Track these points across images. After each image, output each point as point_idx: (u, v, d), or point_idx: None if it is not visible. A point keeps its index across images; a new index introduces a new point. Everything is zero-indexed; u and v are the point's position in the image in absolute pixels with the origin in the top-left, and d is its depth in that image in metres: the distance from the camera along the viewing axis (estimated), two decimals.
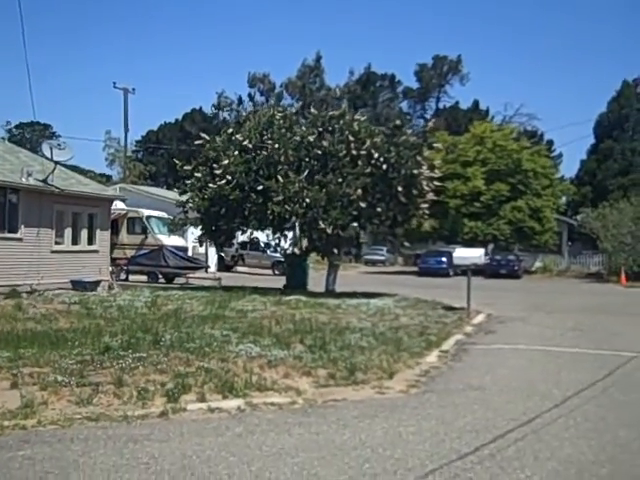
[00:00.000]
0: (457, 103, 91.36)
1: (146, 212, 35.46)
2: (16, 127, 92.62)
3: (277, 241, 24.64)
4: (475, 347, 13.84)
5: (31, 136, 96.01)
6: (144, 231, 35.00)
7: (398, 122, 24.40)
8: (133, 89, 53.90)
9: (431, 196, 24.21)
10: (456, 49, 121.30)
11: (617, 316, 20.89)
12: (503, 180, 47.60)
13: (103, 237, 26.51)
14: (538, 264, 51.17)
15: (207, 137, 24.22)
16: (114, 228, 34.02)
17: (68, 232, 24.65)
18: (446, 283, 37.17)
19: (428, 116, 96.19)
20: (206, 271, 33.79)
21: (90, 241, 25.87)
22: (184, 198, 24.22)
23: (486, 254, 50.00)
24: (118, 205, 37.42)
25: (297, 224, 23.09)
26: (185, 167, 24.28)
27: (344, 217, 22.34)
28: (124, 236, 35.91)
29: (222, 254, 40.40)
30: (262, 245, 31.13)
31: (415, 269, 47.82)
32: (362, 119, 24.13)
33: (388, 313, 17.91)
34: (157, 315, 15.44)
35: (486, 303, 23.20)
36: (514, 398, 9.48)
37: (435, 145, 24.09)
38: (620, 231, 41.91)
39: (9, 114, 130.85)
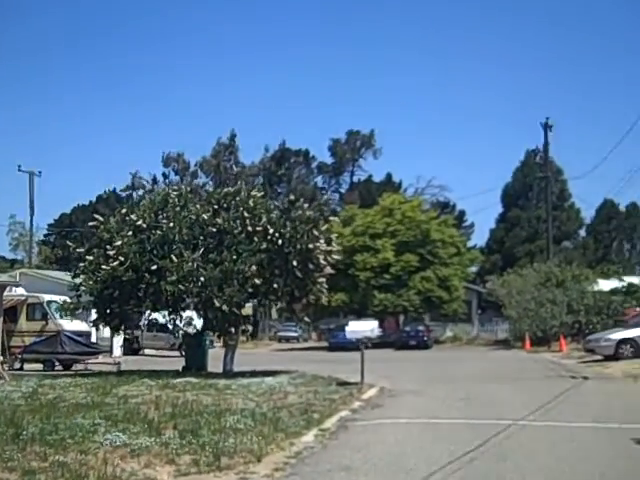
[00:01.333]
0: (370, 177, 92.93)
1: (47, 297, 34.41)
2: None
3: (172, 322, 24.17)
4: (356, 423, 13.65)
5: None
6: (44, 317, 33.92)
7: (292, 197, 24.50)
8: (39, 172, 53.42)
9: (329, 270, 24.20)
10: (368, 124, 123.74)
11: (508, 383, 21.09)
12: (412, 251, 48.26)
13: None
14: (449, 333, 51.67)
15: (101, 218, 23.84)
16: (12, 315, 33.01)
17: None
18: (354, 357, 36.92)
19: (343, 190, 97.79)
20: (110, 355, 32.91)
21: None
22: (77, 281, 23.63)
23: (382, 327, 50.67)
24: (17, 291, 36.47)
25: (192, 304, 22.74)
26: (78, 250, 23.75)
27: (239, 295, 22.12)
28: (23, 323, 34.77)
29: (128, 337, 39.53)
30: (158, 327, 30.22)
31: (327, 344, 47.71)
32: (258, 195, 24.12)
33: (278, 392, 17.58)
34: (32, 406, 14.79)
35: (385, 376, 23.17)
36: (378, 477, 9.33)
37: (331, 219, 24.16)
38: (524, 297, 42.77)
39: None
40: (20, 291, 35.57)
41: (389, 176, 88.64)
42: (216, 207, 23.26)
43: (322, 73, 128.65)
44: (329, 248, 23.93)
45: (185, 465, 9.89)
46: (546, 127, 50.52)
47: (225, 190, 24.16)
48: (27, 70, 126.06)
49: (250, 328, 25.29)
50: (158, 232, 22.53)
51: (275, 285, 22.72)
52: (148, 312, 24.71)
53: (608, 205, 75.11)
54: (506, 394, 17.86)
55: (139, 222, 22.78)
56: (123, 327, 24.91)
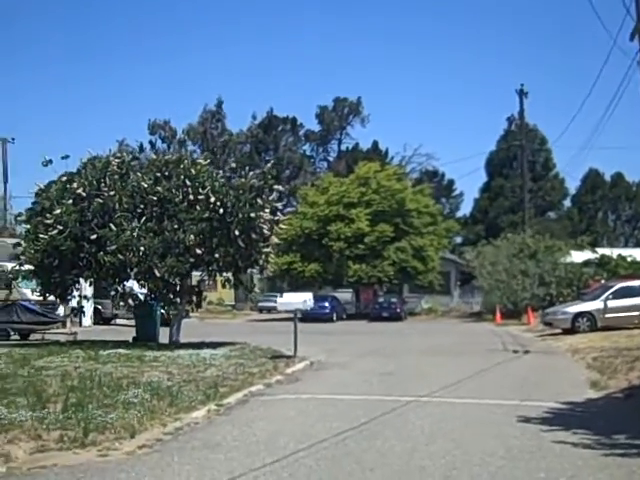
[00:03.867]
0: (357, 145, 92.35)
1: (10, 265, 34.11)
2: None
3: (115, 292, 23.87)
4: (259, 398, 13.43)
5: None
6: (8, 286, 33.61)
7: (234, 165, 24.10)
8: (13, 139, 52.73)
9: (275, 240, 23.85)
10: (356, 91, 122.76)
11: (447, 356, 20.98)
12: (387, 221, 47.86)
13: None
14: (425, 305, 51.40)
15: (42, 185, 23.46)
16: None
17: None
18: (323, 329, 36.86)
19: (331, 158, 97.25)
20: (64, 325, 32.48)
21: None
22: (19, 250, 23.32)
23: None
24: None
25: (132, 274, 22.44)
26: (19, 218, 23.42)
27: (180, 265, 21.81)
28: None
29: (99, 307, 39.33)
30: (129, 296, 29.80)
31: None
32: (204, 163, 23.70)
33: (203, 364, 17.33)
34: None
35: (330, 349, 23.06)
36: (241, 455, 9.10)
37: (276, 187, 23.71)
38: (496, 269, 42.45)
39: None
40: None
41: (375, 144, 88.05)
42: (158, 175, 22.80)
43: (309, 40, 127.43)
44: (276, 218, 23.55)
45: (51, 441, 9.66)
46: (521, 94, 49.85)
47: (167, 158, 23.73)
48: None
49: (195, 298, 24.87)
50: (98, 200, 22.15)
51: (217, 255, 22.40)
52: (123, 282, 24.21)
53: (593, 175, 74.62)
54: (435, 368, 17.67)
55: (79, 190, 22.40)
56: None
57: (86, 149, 23.76)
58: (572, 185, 76.68)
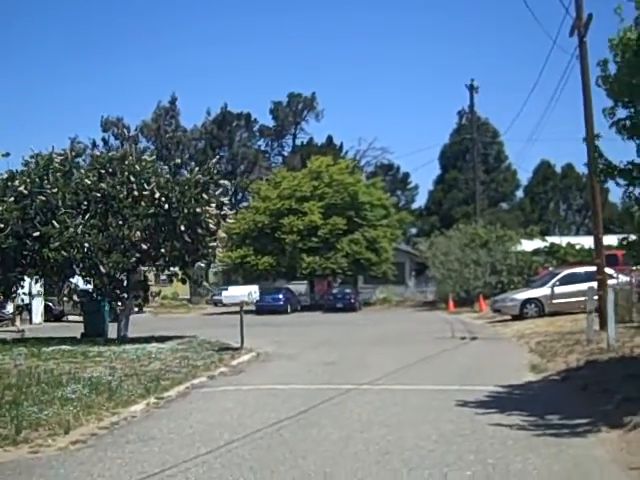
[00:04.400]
0: (311, 139, 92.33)
1: None
2: None
3: (58, 289, 23.57)
4: (200, 390, 13.37)
5: None
6: None
7: (178, 160, 23.96)
8: None
9: (221, 234, 23.73)
10: (310, 86, 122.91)
11: (394, 345, 21.10)
12: (340, 214, 47.94)
13: None
14: (380, 296, 51.60)
15: None
16: None
17: None
18: (276, 320, 36.87)
19: (286, 153, 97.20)
20: (13, 322, 32.08)
21: None
22: None
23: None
24: None
25: (77, 270, 22.18)
26: None
27: (125, 260, 21.59)
28: None
29: (50, 304, 38.81)
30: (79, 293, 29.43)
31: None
32: (149, 159, 23.47)
33: (148, 358, 17.20)
34: None
35: (278, 340, 23.01)
36: (175, 447, 9.05)
37: (221, 182, 23.60)
38: (448, 258, 42.78)
39: None
40: None
41: (330, 139, 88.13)
42: (102, 172, 22.54)
43: (262, 37, 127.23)
44: (222, 212, 23.43)
45: None
46: (471, 88, 50.43)
47: (110, 154, 23.48)
48: None
49: (142, 294, 24.63)
50: (41, 198, 21.83)
51: (163, 250, 22.24)
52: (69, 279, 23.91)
53: (544, 167, 75.53)
54: (380, 357, 17.71)
55: (21, 188, 22.07)
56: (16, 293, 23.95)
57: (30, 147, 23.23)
58: (524, 177, 77.60)
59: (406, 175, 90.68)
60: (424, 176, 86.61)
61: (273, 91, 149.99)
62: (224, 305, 45.43)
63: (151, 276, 28.32)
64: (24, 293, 25.01)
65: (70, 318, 40.87)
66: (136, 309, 40.63)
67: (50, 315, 39.41)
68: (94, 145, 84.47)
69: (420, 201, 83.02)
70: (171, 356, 17.67)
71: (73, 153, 23.17)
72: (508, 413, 10.37)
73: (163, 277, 25.72)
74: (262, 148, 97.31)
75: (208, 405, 11.93)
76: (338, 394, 12.28)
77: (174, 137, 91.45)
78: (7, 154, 22.88)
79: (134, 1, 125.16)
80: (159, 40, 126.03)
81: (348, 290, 46.82)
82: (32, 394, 12.27)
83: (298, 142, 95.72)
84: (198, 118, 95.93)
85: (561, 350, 16.60)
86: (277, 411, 11.03)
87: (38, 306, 37.63)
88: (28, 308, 27.75)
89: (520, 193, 77.51)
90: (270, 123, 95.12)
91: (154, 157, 23.86)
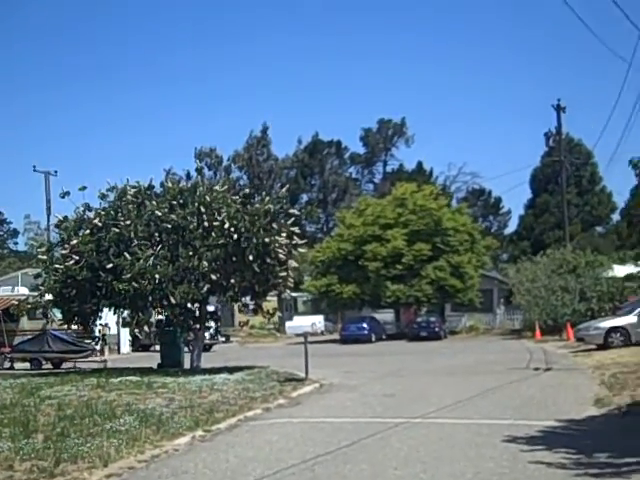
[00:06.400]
0: (401, 166, 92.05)
1: (49, 296, 34.66)
2: None
3: (134, 320, 23.83)
4: (251, 423, 13.29)
5: None
6: (46, 316, 34.14)
7: (247, 190, 24.09)
8: (55, 171, 53.57)
9: (293, 264, 23.72)
10: (400, 112, 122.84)
11: (462, 376, 20.56)
12: (424, 240, 47.28)
13: None
14: (468, 324, 50.55)
15: (60, 217, 23.80)
16: (11, 315, 33.34)
17: None
18: (356, 350, 36.55)
19: (376, 180, 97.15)
20: (102, 353, 32.90)
21: None
22: (39, 281, 23.64)
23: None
24: (20, 291, 36.89)
25: (149, 301, 22.51)
26: (39, 248, 23.77)
27: (195, 291, 21.78)
28: (25, 322, 35.19)
29: (138, 334, 39.60)
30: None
31: None
32: (220, 190, 23.66)
33: (210, 389, 17.25)
34: None
35: (347, 371, 22.83)
36: None
37: (291, 211, 23.62)
38: (534, 285, 41.61)
39: None
40: (23, 290, 36.00)
41: (420, 165, 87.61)
42: (173, 203, 22.88)
43: (352, 62, 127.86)
44: (293, 242, 23.42)
45: (21, 472, 9.66)
46: (558, 109, 49.06)
47: (181, 186, 23.83)
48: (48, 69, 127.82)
49: (213, 324, 24.83)
50: (115, 230, 22.32)
51: (232, 280, 22.37)
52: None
53: None
54: (443, 389, 17.27)
55: (96, 220, 22.64)
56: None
57: (125, 178, 23.85)
58: (621, 199, 75.07)
59: (498, 200, 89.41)
60: (515, 201, 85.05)
61: (363, 117, 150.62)
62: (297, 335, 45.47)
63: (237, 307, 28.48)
64: (101, 324, 25.46)
65: (157, 348, 41.74)
66: (223, 339, 41.25)
67: (138, 345, 40.19)
68: (188, 176, 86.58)
69: (513, 226, 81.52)
70: (233, 387, 17.67)
71: (145, 185, 23.55)
72: (555, 450, 9.88)
73: (252, 306, 25.64)
74: (353, 175, 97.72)
75: (252, 438, 11.83)
76: (386, 428, 11.99)
77: (266, 166, 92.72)
78: (84, 187, 23.65)
79: (226, 32, 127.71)
80: (251, 71, 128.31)
81: (433, 318, 46.05)
82: (83, 425, 12.49)
83: (389, 169, 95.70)
84: (289, 147, 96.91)
85: (632, 383, 15.79)
86: (318, 445, 10.85)
87: (125, 336, 38.47)
88: (104, 339, 28.26)
89: (617, 216, 74.97)
90: (361, 150, 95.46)
91: (225, 187, 24.01)
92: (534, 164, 74.57)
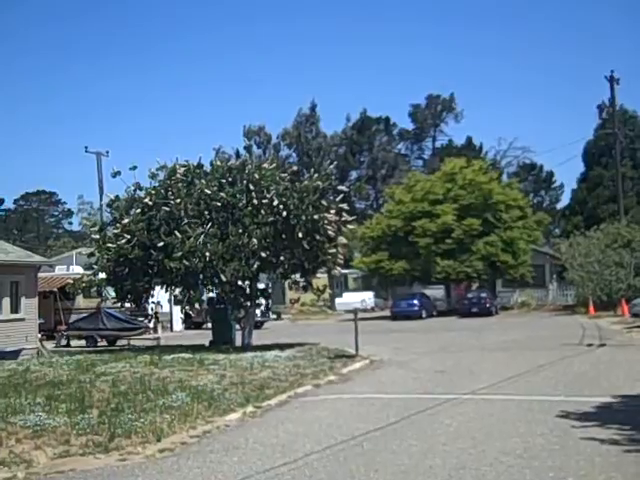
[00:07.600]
0: (451, 141, 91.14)
1: (102, 275, 35.27)
2: (22, 197, 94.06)
3: (185, 298, 24.05)
4: (301, 399, 13.38)
5: (37, 205, 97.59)
6: (100, 294, 34.74)
7: (295, 168, 24.10)
8: (107, 152, 54.12)
9: (342, 240, 23.74)
10: (448, 87, 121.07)
11: (514, 352, 20.38)
12: (474, 215, 46.86)
13: (29, 304, 26.20)
14: (520, 299, 50.07)
15: (112, 196, 24.12)
16: (67, 293, 34.04)
17: None
18: (407, 326, 36.45)
19: (426, 156, 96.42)
20: (155, 330, 33.33)
21: (15, 309, 25.61)
22: (92, 260, 24.02)
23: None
24: (75, 270, 37.59)
25: (200, 279, 22.73)
26: (92, 228, 24.14)
27: (245, 269, 21.93)
28: (80, 300, 35.92)
29: (190, 312, 40.11)
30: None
31: None
32: (269, 167, 23.72)
33: (261, 366, 17.37)
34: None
35: (397, 347, 22.81)
36: (255, 458, 9.08)
37: (339, 188, 23.60)
38: (587, 260, 41.00)
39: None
40: (77, 269, 36.70)
41: (469, 140, 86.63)
42: (222, 181, 23.01)
43: (400, 41, 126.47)
44: (342, 219, 23.41)
45: (77, 446, 9.87)
46: (612, 80, 48.03)
47: (230, 164, 23.93)
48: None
49: (263, 302, 25.00)
50: (165, 209, 22.55)
51: (282, 258, 22.45)
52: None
53: None
54: (494, 366, 17.19)
55: (146, 199, 22.89)
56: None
57: (175, 157, 24.02)
58: None
59: (550, 174, 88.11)
60: (567, 175, 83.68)
61: (411, 93, 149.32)
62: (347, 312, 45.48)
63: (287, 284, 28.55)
64: (153, 302, 25.78)
65: (209, 326, 42.23)
66: (274, 316, 41.43)
67: (190, 323, 40.67)
68: (237, 154, 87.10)
69: (565, 201, 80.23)
70: (284, 364, 17.77)
71: (194, 163, 23.69)
72: (607, 426, 9.78)
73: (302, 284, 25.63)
74: (402, 152, 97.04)
75: (302, 414, 11.91)
76: (435, 404, 11.97)
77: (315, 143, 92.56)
78: (134, 167, 23.87)
79: (277, 10, 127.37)
80: (300, 48, 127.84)
81: (484, 294, 45.65)
82: (137, 401, 12.69)
83: (438, 144, 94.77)
84: (338, 124, 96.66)
85: None
86: (367, 421, 10.88)
87: (178, 314, 38.97)
88: (157, 316, 28.62)
89: None
90: (409, 126, 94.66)
91: (273, 165, 24.06)
92: (587, 137, 73.26)
